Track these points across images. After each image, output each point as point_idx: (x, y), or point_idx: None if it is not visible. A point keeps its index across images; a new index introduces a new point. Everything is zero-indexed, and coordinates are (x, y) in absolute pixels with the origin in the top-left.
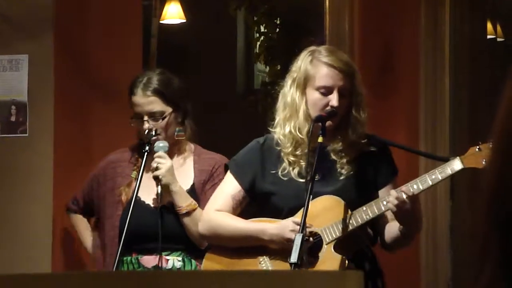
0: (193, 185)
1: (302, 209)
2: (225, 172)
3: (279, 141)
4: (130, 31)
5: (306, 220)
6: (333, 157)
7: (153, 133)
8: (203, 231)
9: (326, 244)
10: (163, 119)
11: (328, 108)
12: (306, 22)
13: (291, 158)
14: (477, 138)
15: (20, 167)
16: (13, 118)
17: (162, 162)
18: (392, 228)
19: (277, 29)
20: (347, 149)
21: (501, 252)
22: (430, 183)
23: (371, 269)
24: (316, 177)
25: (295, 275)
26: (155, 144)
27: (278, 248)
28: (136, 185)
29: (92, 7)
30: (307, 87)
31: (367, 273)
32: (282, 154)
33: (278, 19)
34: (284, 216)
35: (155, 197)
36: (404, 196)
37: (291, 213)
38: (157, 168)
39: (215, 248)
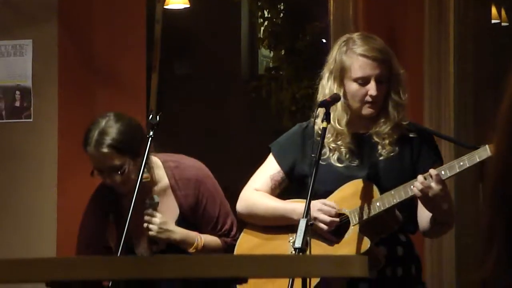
0: (181, 214)
1: (335, 192)
2: (268, 154)
3: (319, 131)
4: (134, 16)
5: (335, 203)
6: (376, 139)
7: (157, 118)
8: (240, 209)
9: (353, 226)
10: (122, 173)
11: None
12: (310, 7)
13: (332, 145)
14: (482, 124)
15: (25, 152)
16: (17, 103)
17: (152, 220)
18: (425, 214)
19: (281, 14)
20: (390, 131)
21: (507, 237)
22: (458, 169)
23: (404, 254)
24: (355, 162)
25: (300, 260)
26: (146, 201)
27: None
28: (134, 194)
29: None
30: (344, 79)
31: (399, 259)
32: (324, 141)
33: (282, 4)
34: (320, 199)
35: (146, 243)
36: (432, 183)
37: (326, 196)
38: (148, 229)
39: (252, 224)
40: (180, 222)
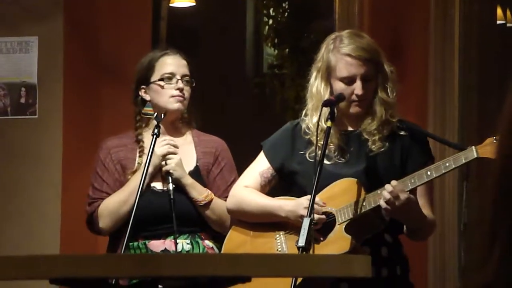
0: (197, 167)
1: (321, 190)
2: (259, 151)
3: (307, 130)
4: (140, 13)
5: (323, 201)
6: (365, 136)
7: (162, 116)
8: (230, 205)
9: (338, 225)
10: (192, 85)
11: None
12: (315, 5)
13: (320, 143)
14: (486, 124)
15: (30, 149)
16: (22, 100)
17: (171, 156)
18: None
19: (286, 13)
20: (379, 128)
21: (509, 237)
22: (443, 170)
23: (389, 255)
24: (343, 159)
25: (304, 259)
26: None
27: (294, 224)
28: (144, 170)
29: None
30: (331, 77)
31: (383, 259)
32: (312, 139)
33: (287, 2)
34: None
35: (161, 179)
36: (389, 195)
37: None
38: (166, 163)
39: (241, 221)
40: (193, 174)
